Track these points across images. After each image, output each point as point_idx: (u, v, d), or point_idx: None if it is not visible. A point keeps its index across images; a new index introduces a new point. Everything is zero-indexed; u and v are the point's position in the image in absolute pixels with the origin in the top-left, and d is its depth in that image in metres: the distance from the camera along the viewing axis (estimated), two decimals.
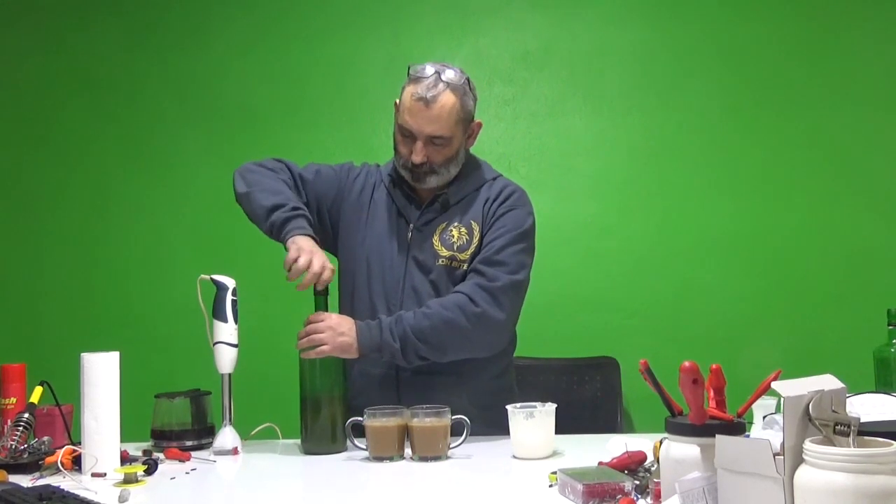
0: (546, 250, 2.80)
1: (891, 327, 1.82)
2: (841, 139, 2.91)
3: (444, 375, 1.86)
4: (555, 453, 1.65)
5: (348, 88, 3.08)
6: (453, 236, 1.92)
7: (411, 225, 1.95)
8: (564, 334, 2.90)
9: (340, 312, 1.99)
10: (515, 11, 3.05)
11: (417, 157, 1.87)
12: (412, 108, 1.85)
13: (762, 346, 2.77)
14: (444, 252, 1.91)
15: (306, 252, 1.75)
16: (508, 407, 1.67)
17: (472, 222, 1.94)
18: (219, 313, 1.79)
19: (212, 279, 1.81)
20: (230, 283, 1.81)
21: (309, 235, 1.82)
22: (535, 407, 1.66)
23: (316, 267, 1.74)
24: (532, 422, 1.64)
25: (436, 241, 1.92)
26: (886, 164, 2.88)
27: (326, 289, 1.82)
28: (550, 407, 1.66)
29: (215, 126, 3.10)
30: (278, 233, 1.84)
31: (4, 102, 3.18)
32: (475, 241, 1.92)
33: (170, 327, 2.93)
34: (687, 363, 1.10)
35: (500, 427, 1.78)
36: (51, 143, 3.15)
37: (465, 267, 1.90)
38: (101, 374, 1.56)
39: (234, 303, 1.80)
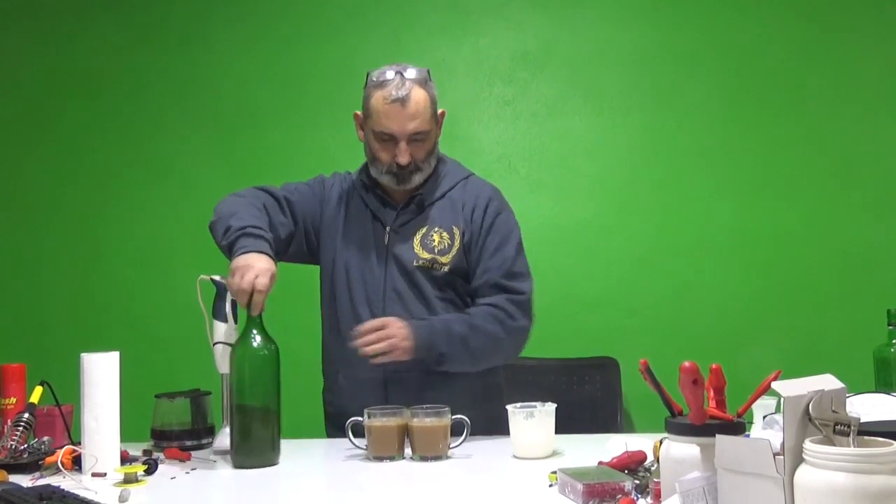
0: (546, 250, 2.82)
1: (891, 327, 1.82)
2: (841, 139, 2.91)
3: (432, 375, 1.87)
4: (555, 453, 1.65)
5: (348, 88, 3.05)
6: (434, 241, 1.94)
7: (388, 228, 1.96)
8: (564, 334, 2.91)
9: (322, 320, 2.02)
10: (515, 11, 3.05)
11: (404, 158, 1.87)
12: (389, 112, 1.85)
13: (762, 346, 2.77)
14: (425, 255, 1.92)
15: (237, 272, 1.69)
16: (509, 407, 1.67)
17: (454, 227, 1.95)
18: (218, 313, 1.79)
19: (211, 279, 1.81)
20: None
21: (247, 252, 1.74)
22: (535, 407, 1.66)
23: (244, 285, 1.65)
24: (532, 422, 1.64)
25: (416, 243, 1.94)
26: (886, 165, 2.89)
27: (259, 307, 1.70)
28: (550, 407, 1.66)
29: (215, 126, 3.10)
30: (231, 256, 1.78)
31: (4, 102, 3.18)
32: (456, 245, 1.94)
33: (170, 327, 2.93)
34: (687, 363, 1.10)
35: (489, 424, 1.80)
36: (51, 143, 3.15)
37: (445, 269, 1.92)
38: (101, 374, 1.56)
39: (233, 303, 1.79)
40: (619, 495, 1.21)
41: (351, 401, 1.84)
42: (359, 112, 1.95)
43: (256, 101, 3.10)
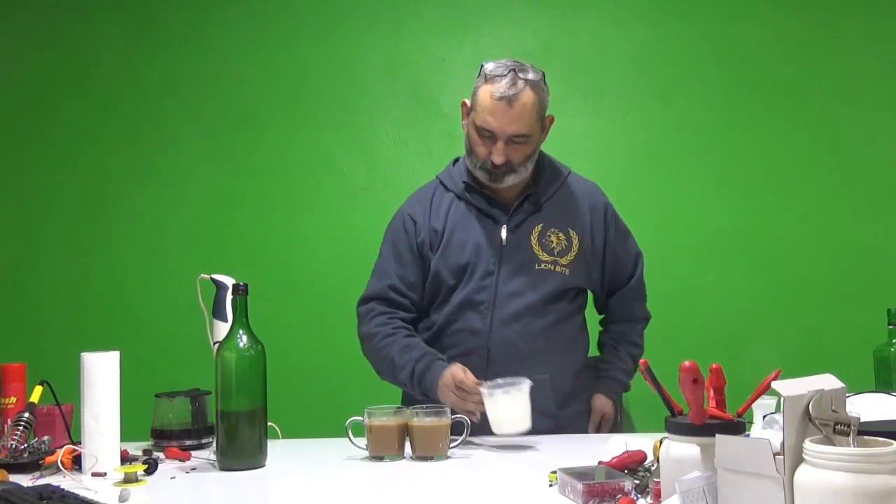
0: None
1: (891, 327, 1.82)
2: (841, 139, 2.91)
3: (532, 377, 1.87)
4: (531, 433, 1.66)
5: (348, 88, 3.08)
6: (552, 241, 1.93)
7: (504, 227, 1.94)
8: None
9: (422, 322, 2.00)
10: (515, 11, 3.05)
11: (499, 158, 1.85)
12: (493, 109, 1.83)
13: (762, 346, 2.77)
14: (546, 257, 1.92)
15: (446, 398, 1.79)
16: (482, 386, 1.69)
17: (570, 230, 1.96)
18: (219, 313, 1.79)
19: (211, 278, 1.81)
20: (230, 282, 1.81)
21: (432, 382, 1.82)
22: (509, 383, 1.68)
23: (455, 402, 1.76)
24: (507, 398, 1.66)
25: (534, 244, 1.93)
26: (886, 164, 2.89)
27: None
28: (525, 383, 1.68)
29: (214, 125, 3.10)
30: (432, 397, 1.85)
31: (1, 101, 3.17)
32: (574, 248, 1.95)
33: (170, 327, 2.93)
34: (687, 363, 1.10)
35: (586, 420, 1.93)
36: (49, 142, 3.14)
37: (567, 273, 1.93)
38: (101, 373, 1.56)
39: (233, 302, 1.79)
40: (619, 495, 1.21)
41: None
42: (466, 101, 1.93)
43: (255, 99, 3.10)
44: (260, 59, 3.11)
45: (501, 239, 1.92)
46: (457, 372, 1.77)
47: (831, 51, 2.92)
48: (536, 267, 1.91)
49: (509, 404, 1.66)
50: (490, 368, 1.87)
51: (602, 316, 2.16)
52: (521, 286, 1.90)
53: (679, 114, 2.97)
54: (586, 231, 1.97)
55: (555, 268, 1.92)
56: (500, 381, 1.70)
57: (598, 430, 1.98)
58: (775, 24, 2.95)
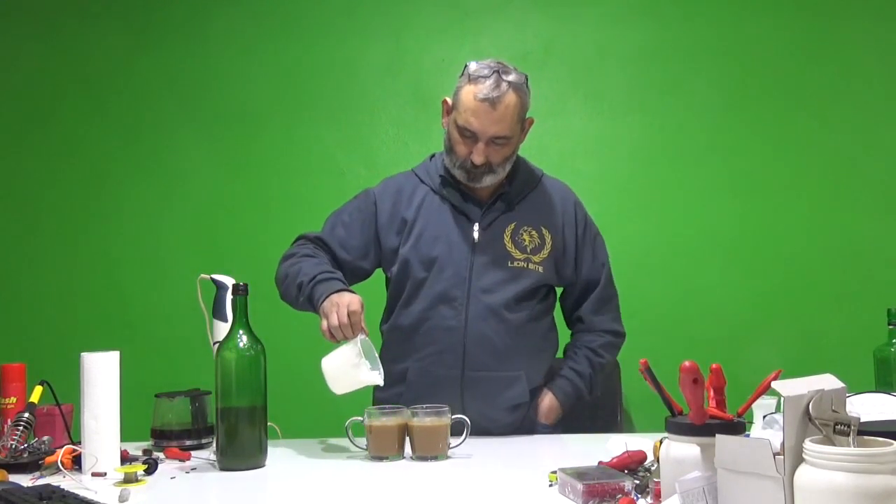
0: None
1: (891, 327, 1.82)
2: (842, 139, 2.91)
3: (507, 373, 1.89)
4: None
5: (348, 88, 3.08)
6: (524, 240, 1.94)
7: (476, 224, 1.94)
8: (564, 335, 2.90)
9: (390, 320, 1.99)
10: (516, 11, 3.05)
11: (479, 158, 1.86)
12: (476, 110, 1.83)
13: (762, 346, 2.77)
14: (519, 254, 1.92)
15: (331, 316, 1.73)
16: (361, 335, 1.69)
17: (543, 229, 1.96)
18: (219, 313, 1.79)
19: (212, 278, 1.81)
20: (230, 282, 1.81)
21: (327, 295, 1.77)
22: (377, 366, 1.70)
23: (342, 320, 1.70)
24: (358, 362, 1.66)
25: (507, 242, 1.93)
26: (887, 164, 2.89)
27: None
28: (379, 375, 1.69)
29: (214, 125, 3.10)
30: (315, 305, 1.82)
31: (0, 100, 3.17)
32: (547, 247, 1.95)
33: (169, 327, 2.93)
34: (687, 363, 1.10)
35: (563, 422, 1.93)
36: (49, 142, 3.14)
37: (540, 269, 1.94)
38: (101, 373, 1.56)
39: (233, 302, 1.79)
40: (619, 495, 1.21)
41: (421, 398, 1.79)
42: (448, 99, 1.93)
43: (255, 99, 3.10)
44: (260, 58, 3.11)
45: (474, 236, 1.93)
46: (360, 303, 1.73)
47: (833, 51, 2.92)
48: (509, 264, 1.92)
49: (353, 368, 1.66)
50: (466, 365, 1.88)
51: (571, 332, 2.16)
52: (495, 283, 1.91)
53: (679, 114, 2.97)
54: (558, 229, 1.99)
55: (527, 265, 1.93)
56: (376, 355, 1.72)
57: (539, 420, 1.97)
58: (777, 24, 2.95)
